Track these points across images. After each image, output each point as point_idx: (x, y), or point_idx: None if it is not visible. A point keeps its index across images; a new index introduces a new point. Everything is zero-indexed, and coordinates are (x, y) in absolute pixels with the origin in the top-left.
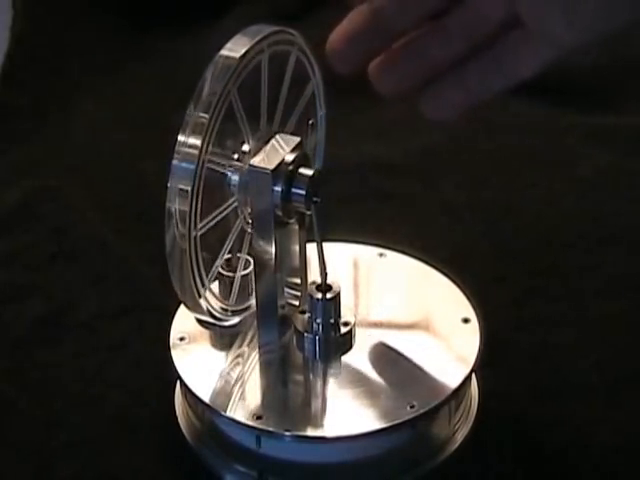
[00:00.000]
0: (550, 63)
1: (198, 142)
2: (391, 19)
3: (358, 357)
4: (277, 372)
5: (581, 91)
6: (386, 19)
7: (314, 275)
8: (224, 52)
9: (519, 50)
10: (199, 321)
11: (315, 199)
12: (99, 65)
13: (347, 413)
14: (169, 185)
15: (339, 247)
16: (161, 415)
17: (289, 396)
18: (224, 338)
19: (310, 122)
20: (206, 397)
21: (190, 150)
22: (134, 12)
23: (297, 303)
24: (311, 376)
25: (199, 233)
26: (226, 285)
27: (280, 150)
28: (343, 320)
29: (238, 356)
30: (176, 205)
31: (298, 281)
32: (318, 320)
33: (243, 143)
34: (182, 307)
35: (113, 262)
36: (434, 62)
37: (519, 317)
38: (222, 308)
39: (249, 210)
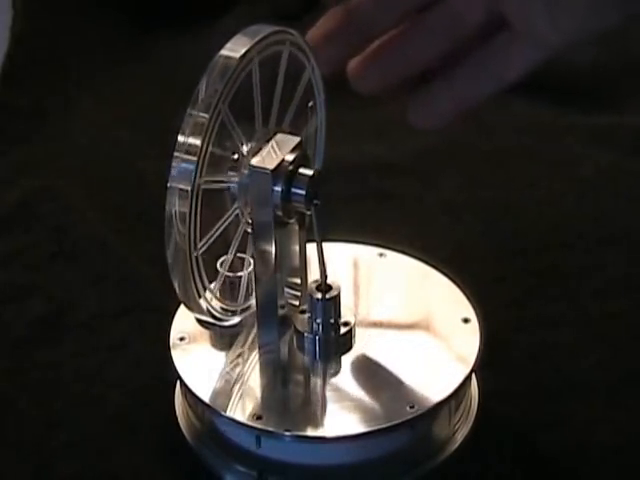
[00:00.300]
0: (538, 64)
1: (198, 142)
2: (368, 17)
3: (358, 357)
4: (277, 372)
5: (581, 91)
6: (363, 18)
7: (314, 275)
8: (224, 52)
9: (506, 52)
10: (199, 321)
11: (315, 202)
12: (99, 65)
13: (347, 413)
14: (169, 185)
15: (339, 247)
16: (161, 415)
17: (289, 396)
18: (224, 338)
19: (310, 104)
20: (206, 397)
21: (190, 150)
22: (134, 12)
23: (297, 303)
24: (311, 376)
25: (200, 253)
26: (226, 285)
27: (280, 150)
28: (343, 320)
29: (238, 356)
30: (176, 206)
31: (298, 281)
32: (318, 320)
33: (243, 143)
34: (182, 307)
35: (113, 262)
36: (413, 61)
37: (519, 317)
38: (222, 308)
39: (249, 210)
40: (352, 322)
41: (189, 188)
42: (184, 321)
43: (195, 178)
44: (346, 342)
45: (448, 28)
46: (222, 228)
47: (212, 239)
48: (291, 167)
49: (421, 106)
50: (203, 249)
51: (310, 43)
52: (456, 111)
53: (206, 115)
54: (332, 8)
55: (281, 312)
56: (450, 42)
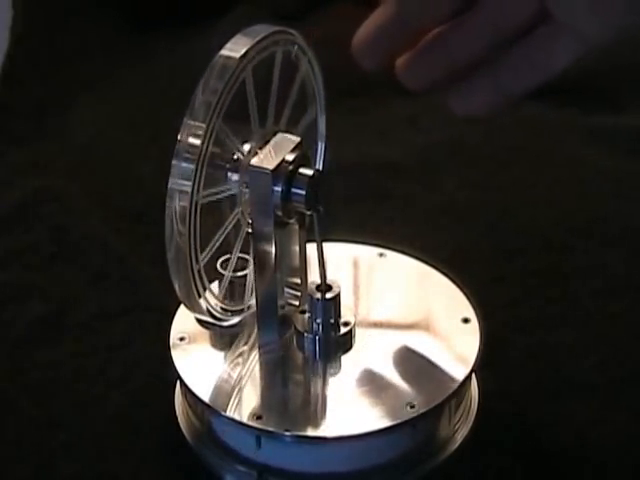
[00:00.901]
0: (580, 57)
1: (198, 142)
2: (417, 15)
3: (358, 357)
4: (277, 372)
5: (581, 91)
6: (412, 15)
7: (314, 275)
8: (224, 52)
9: (550, 45)
10: (199, 321)
11: (318, 207)
12: (99, 65)
13: (347, 413)
14: (169, 185)
15: (339, 247)
16: (161, 415)
17: (289, 396)
18: (224, 338)
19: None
20: (206, 397)
21: (190, 150)
22: (134, 12)
23: (297, 303)
24: (311, 376)
25: (202, 263)
26: (226, 285)
27: (280, 150)
28: (343, 320)
29: (238, 356)
30: (176, 206)
31: (298, 281)
32: (318, 320)
33: (243, 143)
34: (182, 307)
35: (113, 262)
36: (461, 57)
37: (519, 317)
38: (222, 308)
39: (249, 210)
40: (352, 322)
41: (189, 188)
42: (184, 321)
43: (195, 178)
44: (346, 342)
45: (496, 23)
46: (223, 237)
47: (214, 249)
48: (291, 167)
49: (464, 96)
50: (205, 260)
51: (358, 41)
52: (501, 102)
53: (206, 115)
54: (382, 5)
55: (281, 312)
56: (497, 37)
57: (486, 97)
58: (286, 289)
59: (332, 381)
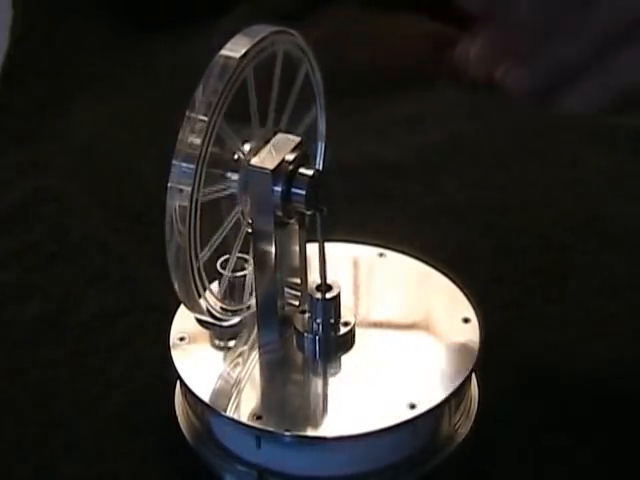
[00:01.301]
0: None
1: (198, 142)
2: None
3: (358, 357)
4: (277, 372)
5: None
6: (523, 25)
7: (314, 275)
8: (224, 52)
9: None
10: (199, 321)
11: (321, 207)
12: (99, 65)
13: (347, 413)
14: (169, 185)
15: (339, 247)
16: (161, 415)
17: (289, 396)
18: (224, 338)
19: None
20: (206, 397)
21: (190, 150)
22: (134, 12)
23: (297, 303)
24: (311, 376)
25: (202, 261)
26: (226, 285)
27: (280, 150)
28: (343, 320)
29: (238, 356)
30: (176, 206)
31: (298, 281)
32: (318, 320)
33: (244, 143)
34: (182, 307)
35: (113, 262)
36: (571, 57)
37: (519, 317)
38: (222, 308)
39: (249, 210)
40: (352, 322)
41: (189, 188)
42: (184, 321)
43: (195, 178)
44: (346, 342)
45: (610, 20)
46: (223, 235)
47: (214, 247)
48: (291, 167)
49: (575, 94)
50: (205, 258)
51: (473, 54)
52: (613, 98)
53: (206, 115)
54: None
55: (281, 312)
56: (611, 34)
57: (597, 95)
58: (286, 289)
59: (332, 381)
